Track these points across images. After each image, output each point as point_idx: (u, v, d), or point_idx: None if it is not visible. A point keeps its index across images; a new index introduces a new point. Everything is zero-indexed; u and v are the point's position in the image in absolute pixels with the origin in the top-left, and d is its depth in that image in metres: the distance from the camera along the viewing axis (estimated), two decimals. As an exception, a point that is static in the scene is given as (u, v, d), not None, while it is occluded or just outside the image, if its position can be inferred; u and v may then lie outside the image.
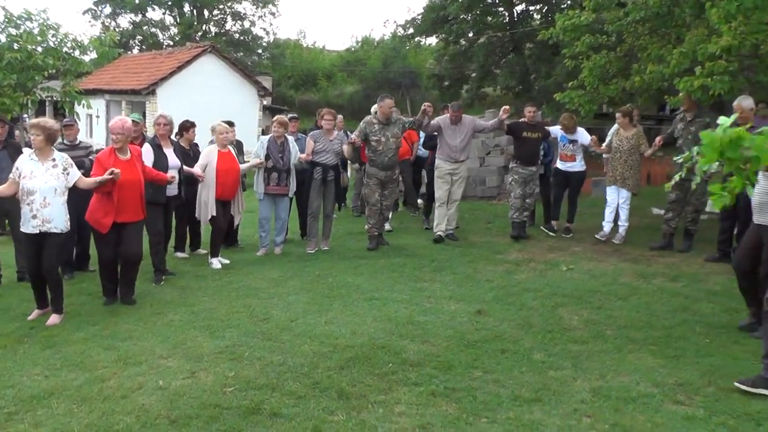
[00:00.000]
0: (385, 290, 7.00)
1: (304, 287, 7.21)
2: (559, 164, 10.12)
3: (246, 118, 21.69)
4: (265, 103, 27.08)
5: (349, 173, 12.06)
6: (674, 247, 8.96)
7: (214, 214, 8.20)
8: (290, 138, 9.07)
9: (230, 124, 9.38)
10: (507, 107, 9.64)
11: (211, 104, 21.45)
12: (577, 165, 10.02)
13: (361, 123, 9.19)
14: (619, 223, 9.52)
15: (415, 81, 35.93)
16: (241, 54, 39.69)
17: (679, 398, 4.35)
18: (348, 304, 6.50)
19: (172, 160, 7.82)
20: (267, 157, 8.72)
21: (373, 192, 9.16)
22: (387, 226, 10.67)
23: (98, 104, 23.78)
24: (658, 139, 9.04)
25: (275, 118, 9.24)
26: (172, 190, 7.79)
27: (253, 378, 4.66)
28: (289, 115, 10.68)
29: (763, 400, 4.28)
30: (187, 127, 8.79)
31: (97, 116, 25.93)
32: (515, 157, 9.97)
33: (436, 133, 9.64)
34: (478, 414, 4.11)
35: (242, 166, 8.64)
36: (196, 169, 8.11)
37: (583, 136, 9.91)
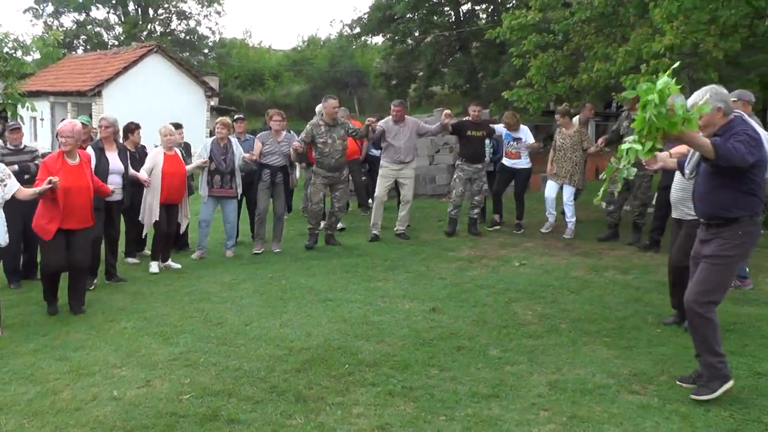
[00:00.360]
0: (338, 291, 6.96)
1: (257, 290, 7.13)
2: (505, 161, 10.27)
3: (193, 120, 21.37)
4: (212, 103, 26.73)
5: (298, 174, 11.94)
6: (620, 238, 9.22)
7: (158, 218, 8.03)
8: (233, 140, 8.97)
9: (178, 126, 9.21)
10: (448, 111, 9.80)
11: (158, 105, 21.09)
12: (522, 162, 10.15)
13: (308, 125, 9.15)
14: (567, 219, 9.70)
15: (362, 80, 35.91)
16: (187, 54, 39.10)
17: (634, 388, 4.43)
18: (302, 306, 6.44)
19: (115, 164, 7.58)
20: (210, 159, 8.59)
21: (318, 191, 9.18)
22: (339, 224, 10.64)
23: (42, 106, 23.11)
24: (600, 140, 9.44)
25: (218, 119, 9.14)
26: (117, 194, 7.51)
27: (209, 384, 4.58)
28: (236, 116, 10.57)
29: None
30: (132, 129, 8.58)
31: (42, 119, 25.24)
32: (460, 155, 10.11)
33: None
34: (436, 412, 4.11)
35: (187, 168, 8.48)
36: (142, 173, 7.90)
37: (527, 134, 10.08)
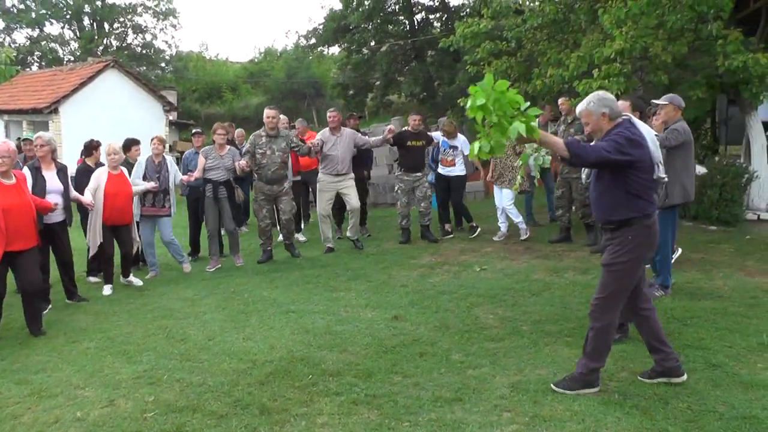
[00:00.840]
0: (301, 302, 6.97)
1: (219, 305, 7.10)
2: (440, 169, 10.31)
3: (152, 134, 21.09)
4: (171, 118, 26.49)
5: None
6: (572, 240, 9.44)
7: (101, 240, 7.82)
8: (168, 158, 8.87)
9: (135, 142, 9.15)
10: (392, 127, 9.81)
11: (117, 121, 20.84)
12: (457, 169, 10.25)
13: (250, 137, 9.10)
14: (514, 222, 9.85)
15: (320, 91, 35.92)
16: (144, 68, 38.71)
17: (594, 386, 4.50)
18: (265, 319, 6.43)
19: (53, 183, 7.26)
20: (144, 177, 8.46)
21: (261, 208, 9.04)
22: (301, 237, 10.62)
23: (-3, 125, 22.74)
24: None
25: (154, 136, 9.00)
26: (57, 215, 7.24)
27: (173, 401, 4.56)
28: (194, 130, 10.51)
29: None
30: (94, 146, 8.57)
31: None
32: (400, 165, 10.15)
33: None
34: (400, 418, 4.13)
35: (134, 189, 8.23)
36: (86, 195, 7.65)
37: (464, 144, 10.14)
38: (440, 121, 10.26)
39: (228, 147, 9.13)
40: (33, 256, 6.44)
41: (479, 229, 10.24)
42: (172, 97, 27.88)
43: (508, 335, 5.63)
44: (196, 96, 38.91)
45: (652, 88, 10.35)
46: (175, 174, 8.71)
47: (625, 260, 4.30)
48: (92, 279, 8.57)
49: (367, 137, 10.13)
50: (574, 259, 8.46)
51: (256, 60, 43.46)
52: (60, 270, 7.58)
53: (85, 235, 8.16)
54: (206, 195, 8.94)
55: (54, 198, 7.12)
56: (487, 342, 5.48)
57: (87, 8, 39.07)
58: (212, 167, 8.87)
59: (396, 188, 10.12)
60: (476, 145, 4.07)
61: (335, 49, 30.72)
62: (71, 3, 38.82)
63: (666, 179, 4.53)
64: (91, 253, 8.10)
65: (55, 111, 21.97)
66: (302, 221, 11.46)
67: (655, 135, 5.34)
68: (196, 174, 8.85)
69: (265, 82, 38.40)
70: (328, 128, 9.56)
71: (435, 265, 8.48)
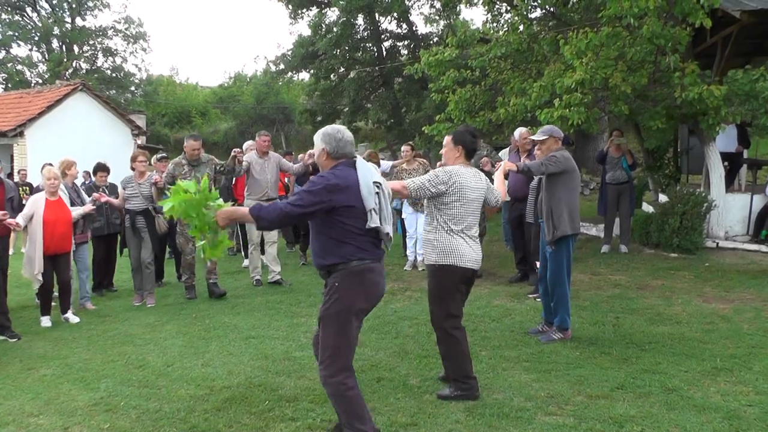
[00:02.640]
0: (262, 328, 6.94)
1: (180, 330, 7.05)
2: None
3: (120, 159, 20.78)
4: (139, 142, 26.33)
5: None
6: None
7: (41, 270, 7.37)
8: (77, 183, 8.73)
9: (103, 167, 9.10)
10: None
11: (85, 145, 20.65)
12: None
13: (170, 164, 8.71)
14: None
15: (289, 116, 36.02)
16: (114, 92, 38.52)
17: (550, 409, 4.55)
18: (225, 345, 6.40)
19: None
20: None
21: (188, 242, 8.52)
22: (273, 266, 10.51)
23: (-40, 148, 22.37)
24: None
25: (62, 160, 8.62)
26: None
27: (129, 428, 4.51)
28: (160, 155, 10.45)
29: (624, 404, 4.57)
30: (69, 165, 8.51)
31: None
32: None
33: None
34: (356, 444, 4.11)
35: (73, 214, 7.86)
36: (18, 219, 7.14)
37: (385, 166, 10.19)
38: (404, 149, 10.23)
39: (147, 174, 8.76)
40: None
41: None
42: (141, 121, 27.78)
43: (467, 361, 5.65)
44: (166, 120, 38.80)
45: (613, 118, 10.56)
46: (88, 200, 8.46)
47: (332, 312, 3.87)
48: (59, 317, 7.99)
49: (291, 164, 9.82)
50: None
51: (225, 85, 43.52)
52: None
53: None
54: (125, 225, 8.68)
55: None
56: (445, 367, 5.50)
57: (56, 30, 38.87)
58: (130, 195, 8.57)
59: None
60: (200, 249, 4.07)
61: (304, 75, 30.86)
62: (40, 25, 38.59)
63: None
64: (35, 287, 7.69)
65: (21, 134, 21.76)
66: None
67: (528, 162, 5.84)
68: (116, 202, 8.63)
69: (234, 108, 38.41)
70: (254, 152, 9.25)
71: (397, 291, 8.51)
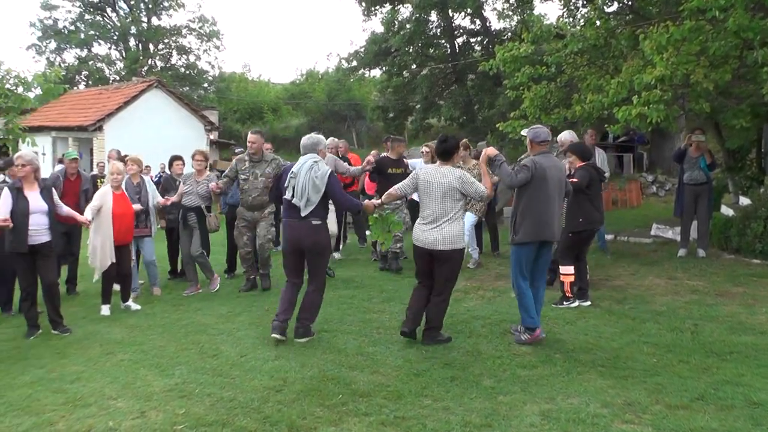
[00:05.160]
0: (334, 322, 6.97)
1: (253, 322, 7.14)
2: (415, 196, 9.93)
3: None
4: (211, 137, 26.93)
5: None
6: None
7: (113, 260, 7.72)
8: (146, 178, 8.91)
9: (178, 158, 9.39)
10: (371, 157, 9.39)
11: (158, 139, 21.26)
12: None
13: (234, 160, 8.87)
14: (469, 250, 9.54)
15: (360, 113, 36.16)
16: (187, 88, 39.47)
17: (627, 417, 4.41)
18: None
19: (36, 203, 6.96)
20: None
21: (241, 235, 8.73)
22: (336, 255, 10.60)
23: (45, 141, 23.24)
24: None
25: (127, 158, 8.97)
26: (42, 236, 6.97)
27: (203, 415, 4.59)
28: (237, 150, 10.64)
29: (705, 416, 4.38)
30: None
31: (44, 154, 25.40)
32: (378, 191, 9.66)
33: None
34: (429, 442, 4.09)
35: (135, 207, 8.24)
36: (86, 213, 7.54)
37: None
38: (479, 146, 10.14)
39: (207, 173, 9.02)
40: None
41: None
42: (213, 117, 28.37)
43: (541, 363, 5.56)
44: (238, 116, 39.49)
45: (693, 116, 10.22)
46: (153, 194, 8.70)
47: None
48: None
49: (347, 165, 9.77)
50: (610, 288, 8.35)
51: (297, 82, 43.98)
52: (44, 296, 7.11)
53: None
54: (179, 221, 8.98)
55: (39, 218, 6.94)
56: (519, 369, 5.42)
57: (133, 30, 40.09)
58: (187, 192, 8.79)
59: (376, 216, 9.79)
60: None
61: (376, 72, 30.96)
62: (118, 25, 39.85)
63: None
64: (96, 277, 7.91)
65: (100, 128, 22.55)
66: (341, 242, 11.48)
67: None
68: (174, 198, 8.82)
69: (305, 104, 38.82)
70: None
71: (470, 290, 8.43)
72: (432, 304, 6.17)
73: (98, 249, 7.66)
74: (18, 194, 6.90)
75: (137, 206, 8.27)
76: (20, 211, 6.83)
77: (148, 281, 9.01)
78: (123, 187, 8.10)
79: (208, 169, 9.22)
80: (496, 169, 6.20)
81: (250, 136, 8.69)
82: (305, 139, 6.63)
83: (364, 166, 9.30)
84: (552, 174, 6.11)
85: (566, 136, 8.51)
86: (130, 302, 8.15)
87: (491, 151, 6.23)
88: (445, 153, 6.10)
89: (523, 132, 6.61)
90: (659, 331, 6.42)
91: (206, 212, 8.87)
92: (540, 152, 6.23)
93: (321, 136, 6.84)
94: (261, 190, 8.52)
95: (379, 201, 6.71)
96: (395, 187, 6.42)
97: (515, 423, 4.35)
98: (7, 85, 15.61)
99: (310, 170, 6.29)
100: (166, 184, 9.52)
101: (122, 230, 7.85)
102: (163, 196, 9.00)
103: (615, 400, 4.70)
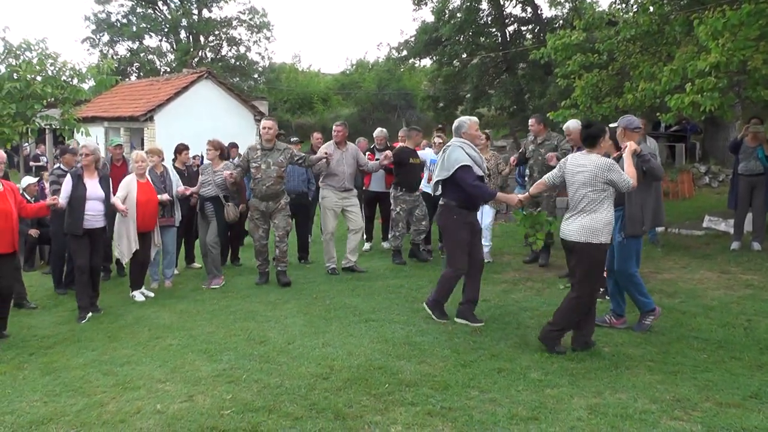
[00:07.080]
0: (381, 311, 7.00)
1: (301, 310, 7.22)
2: (425, 186, 9.68)
3: (243, 142, 21.34)
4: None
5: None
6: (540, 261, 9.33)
7: (137, 248, 7.98)
8: (169, 167, 8.98)
9: (234, 145, 9.55)
10: (389, 153, 9.18)
11: (209, 129, 21.46)
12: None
13: (246, 148, 8.83)
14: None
15: (410, 102, 36.02)
16: (237, 79, 39.82)
17: (676, 414, 4.34)
18: (345, 326, 6.50)
19: (94, 191, 7.51)
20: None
21: (257, 227, 8.60)
22: (366, 245, 10.58)
23: (98, 131, 23.77)
24: (512, 158, 9.54)
25: (147, 148, 9.07)
26: (98, 221, 7.56)
27: (251, 400, 4.67)
28: (293, 139, 10.71)
29: (759, 415, 4.28)
30: (180, 149, 9.20)
31: (97, 143, 26.08)
32: (398, 184, 9.60)
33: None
34: (475, 433, 4.09)
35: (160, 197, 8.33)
36: (118, 202, 7.73)
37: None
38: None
39: (223, 162, 9.04)
40: (10, 261, 6.75)
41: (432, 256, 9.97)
42: (263, 107, 28.61)
43: (589, 356, 5.50)
44: (287, 106, 39.70)
45: (750, 104, 9.93)
46: (176, 183, 8.77)
47: None
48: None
49: (366, 159, 9.51)
50: (660, 281, 8.20)
51: (347, 72, 44.00)
52: (91, 278, 7.65)
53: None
54: (197, 211, 9.06)
55: (95, 204, 7.49)
56: (566, 361, 5.37)
57: (184, 22, 40.58)
58: (204, 182, 8.86)
59: (397, 209, 9.59)
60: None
61: (426, 62, 30.79)
62: (169, 17, 40.42)
63: None
64: (124, 261, 8.29)
65: (151, 119, 22.96)
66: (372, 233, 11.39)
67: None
68: (193, 189, 8.89)
69: (356, 94, 38.84)
70: (333, 142, 9.16)
71: (518, 281, 8.39)
72: (563, 300, 5.85)
73: (123, 236, 7.94)
74: (78, 181, 7.47)
75: (164, 196, 8.37)
76: (78, 196, 7.39)
77: (162, 273, 8.99)
78: (147, 176, 8.28)
79: (221, 158, 9.18)
80: (645, 164, 6.03)
81: (263, 122, 8.66)
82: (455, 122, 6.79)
83: (381, 161, 9.18)
84: None
85: (573, 125, 8.28)
86: (136, 292, 8.24)
87: (635, 146, 6.01)
88: (589, 138, 5.70)
89: (613, 124, 6.44)
90: (710, 327, 6.29)
91: (224, 201, 8.89)
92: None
93: (464, 118, 6.82)
94: (274, 180, 8.39)
95: (527, 194, 6.43)
96: (545, 177, 6.11)
97: (562, 416, 4.32)
98: (63, 77, 16.08)
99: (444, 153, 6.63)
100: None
101: (146, 218, 8.08)
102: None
103: (664, 396, 4.62)
